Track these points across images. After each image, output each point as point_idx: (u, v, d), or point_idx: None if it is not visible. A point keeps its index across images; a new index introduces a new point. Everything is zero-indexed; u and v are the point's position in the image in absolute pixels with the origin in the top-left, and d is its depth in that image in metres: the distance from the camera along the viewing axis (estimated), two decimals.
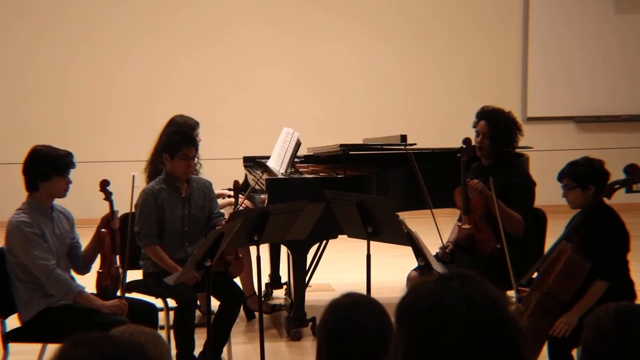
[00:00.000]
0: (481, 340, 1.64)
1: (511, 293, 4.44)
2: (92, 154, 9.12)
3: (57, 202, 4.52)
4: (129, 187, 4.71)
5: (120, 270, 4.65)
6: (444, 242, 5.14)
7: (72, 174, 4.46)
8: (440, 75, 10.10)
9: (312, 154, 6.37)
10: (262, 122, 9.52)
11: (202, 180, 5.28)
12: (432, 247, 4.75)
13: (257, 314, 5.58)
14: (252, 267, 5.77)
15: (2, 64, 9.51)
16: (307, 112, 9.73)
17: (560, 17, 10.12)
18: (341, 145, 5.70)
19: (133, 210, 4.98)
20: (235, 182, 5.35)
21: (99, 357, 1.50)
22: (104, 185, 4.70)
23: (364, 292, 4.47)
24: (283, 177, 5.63)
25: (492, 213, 4.82)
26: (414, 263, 4.37)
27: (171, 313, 4.93)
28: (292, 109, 9.69)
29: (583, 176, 4.33)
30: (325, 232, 5.35)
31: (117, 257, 4.69)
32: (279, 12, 9.80)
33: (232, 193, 5.45)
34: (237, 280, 5.45)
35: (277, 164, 5.83)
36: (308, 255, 5.62)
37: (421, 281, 1.75)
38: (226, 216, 5.16)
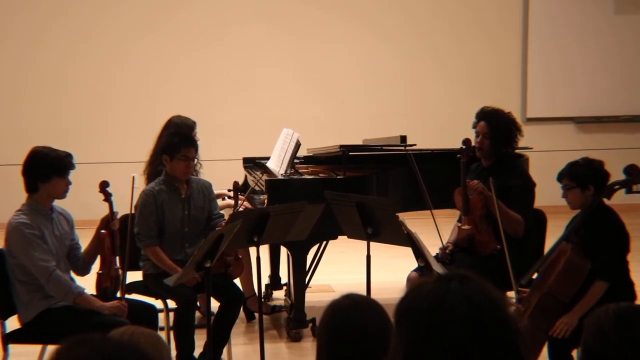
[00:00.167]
0: (481, 340, 1.64)
1: (511, 294, 4.43)
2: (92, 155, 9.11)
3: (57, 203, 4.52)
4: (129, 188, 4.72)
5: (120, 271, 4.64)
6: (444, 243, 5.14)
7: (72, 175, 4.45)
8: (440, 75, 10.10)
9: (311, 154, 6.37)
10: (262, 122, 9.51)
11: (201, 181, 5.27)
12: (432, 247, 4.75)
13: (257, 315, 5.58)
14: (252, 268, 5.77)
15: (2, 64, 9.50)
16: (307, 112, 9.72)
17: (560, 18, 10.11)
18: (341, 146, 5.70)
19: (133, 211, 4.98)
20: (235, 183, 5.34)
21: (98, 358, 1.50)
22: (104, 186, 4.69)
23: (364, 293, 4.48)
24: (283, 178, 5.63)
25: (492, 214, 4.81)
26: (413, 264, 4.36)
27: (171, 314, 4.93)
28: (292, 109, 9.69)
29: (583, 177, 4.33)
30: (325, 233, 5.35)
31: (117, 258, 4.68)
32: (279, 12, 9.80)
33: (231, 194, 5.45)
34: (237, 281, 5.45)
35: (277, 165, 5.83)
36: (308, 256, 5.61)
37: (421, 282, 1.76)
38: (226, 217, 5.16)
